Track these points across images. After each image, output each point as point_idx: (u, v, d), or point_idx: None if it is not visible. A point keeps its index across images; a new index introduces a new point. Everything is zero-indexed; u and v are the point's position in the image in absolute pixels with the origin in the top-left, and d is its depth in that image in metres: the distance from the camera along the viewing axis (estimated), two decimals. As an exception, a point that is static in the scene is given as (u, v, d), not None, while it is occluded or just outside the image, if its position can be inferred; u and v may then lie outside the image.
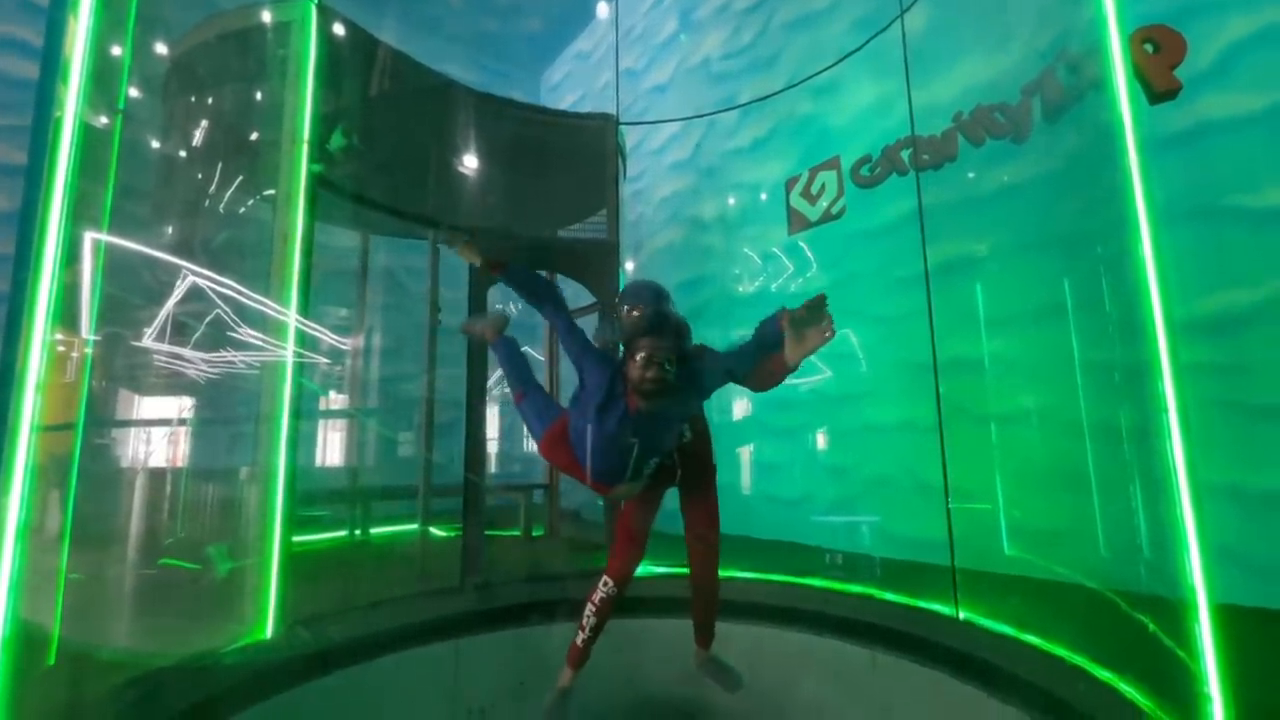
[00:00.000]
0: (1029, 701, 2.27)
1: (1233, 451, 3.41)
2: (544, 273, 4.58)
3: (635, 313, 2.36)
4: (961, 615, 3.10)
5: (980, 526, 4.07)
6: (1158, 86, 3.91)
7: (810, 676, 3.04)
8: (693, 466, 2.40)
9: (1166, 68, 3.90)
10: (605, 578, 2.43)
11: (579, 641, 2.41)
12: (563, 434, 2.15)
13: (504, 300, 3.91)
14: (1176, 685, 2.01)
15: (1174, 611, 2.01)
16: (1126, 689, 2.24)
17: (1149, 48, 3.94)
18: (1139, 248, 2.16)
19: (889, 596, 3.46)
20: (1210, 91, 3.78)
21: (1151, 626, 2.24)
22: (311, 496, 5.88)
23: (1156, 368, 2.06)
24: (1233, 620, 1.97)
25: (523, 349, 2.60)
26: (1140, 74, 3.92)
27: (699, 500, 2.44)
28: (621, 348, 2.07)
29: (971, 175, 4.74)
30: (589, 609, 2.41)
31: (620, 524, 2.48)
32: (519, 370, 2.45)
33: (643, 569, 4.19)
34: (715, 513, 2.45)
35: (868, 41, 4.33)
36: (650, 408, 1.98)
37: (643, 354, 1.94)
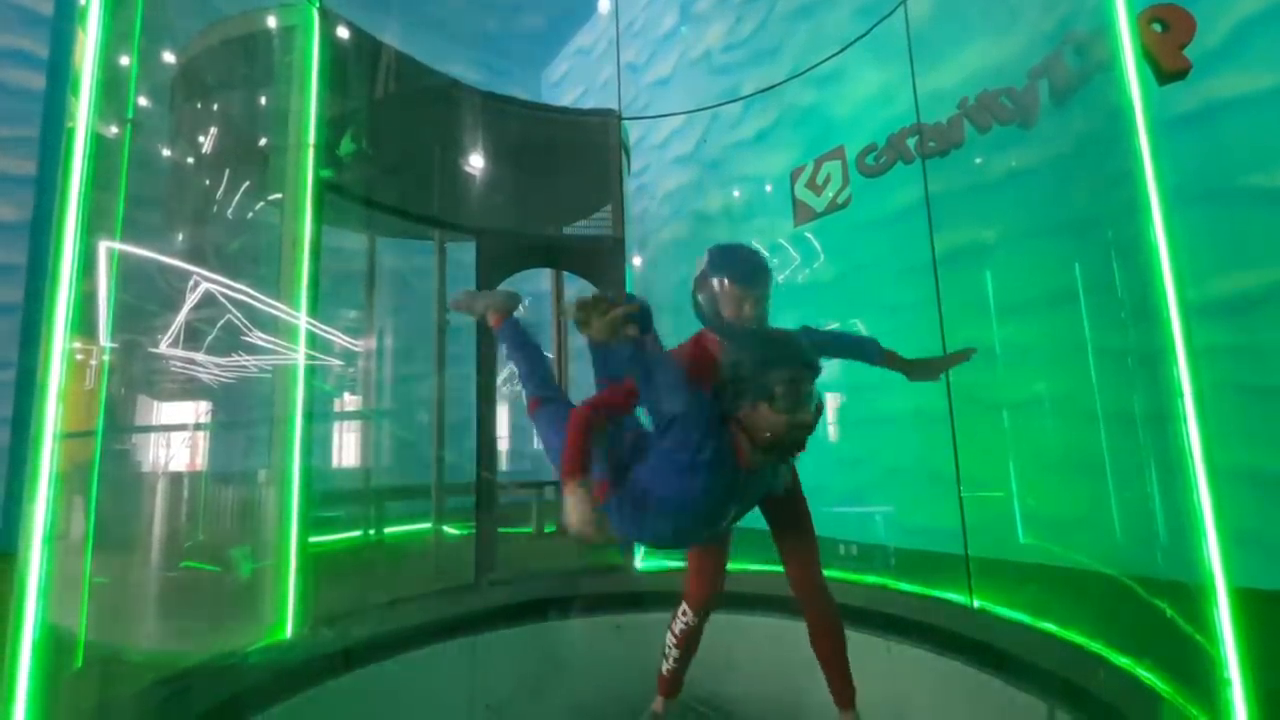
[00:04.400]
0: (1046, 689, 2.26)
1: (1251, 434, 3.38)
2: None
3: (738, 300, 1.73)
4: (976, 604, 3.09)
5: (994, 514, 4.06)
6: (1167, 66, 3.87)
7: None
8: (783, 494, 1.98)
9: (1175, 47, 3.85)
10: (683, 607, 2.17)
11: (665, 670, 2.21)
12: None
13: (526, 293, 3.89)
14: (1196, 670, 2.00)
15: (1192, 596, 2.00)
16: (1145, 675, 2.23)
17: (1157, 27, 3.90)
18: (1151, 231, 2.13)
19: (903, 586, 3.46)
20: (1220, 71, 3.73)
21: (1169, 612, 2.23)
22: (327, 497, 5.94)
23: (1171, 351, 2.03)
24: (1253, 604, 1.95)
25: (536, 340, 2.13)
26: (1149, 54, 3.88)
27: (794, 542, 2.03)
28: (733, 379, 1.44)
29: (979, 161, 4.70)
30: (670, 640, 2.19)
31: (691, 551, 2.17)
32: (534, 368, 1.98)
33: (653, 564, 4.23)
34: (812, 562, 2.02)
35: (871, 29, 4.29)
36: (777, 459, 1.47)
37: (783, 388, 1.37)
